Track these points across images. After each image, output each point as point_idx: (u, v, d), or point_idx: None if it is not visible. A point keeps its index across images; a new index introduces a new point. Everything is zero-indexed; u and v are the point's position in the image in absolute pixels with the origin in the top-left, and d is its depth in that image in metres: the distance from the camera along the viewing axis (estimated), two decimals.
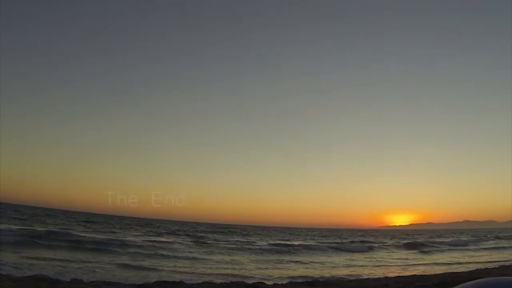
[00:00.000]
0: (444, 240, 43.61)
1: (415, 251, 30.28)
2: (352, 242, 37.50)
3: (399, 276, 12.10)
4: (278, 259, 20.82)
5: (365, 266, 19.36)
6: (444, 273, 13.02)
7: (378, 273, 15.74)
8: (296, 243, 32.80)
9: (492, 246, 34.85)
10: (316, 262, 19.91)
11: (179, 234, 36.85)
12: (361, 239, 44.20)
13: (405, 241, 39.70)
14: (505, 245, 34.44)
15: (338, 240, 39.76)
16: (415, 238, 48.47)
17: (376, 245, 34.12)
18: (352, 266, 19.08)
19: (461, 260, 22.67)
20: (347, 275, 14.48)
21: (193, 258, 19.19)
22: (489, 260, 21.75)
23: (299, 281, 11.27)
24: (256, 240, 36.09)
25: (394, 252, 29.60)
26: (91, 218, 53.17)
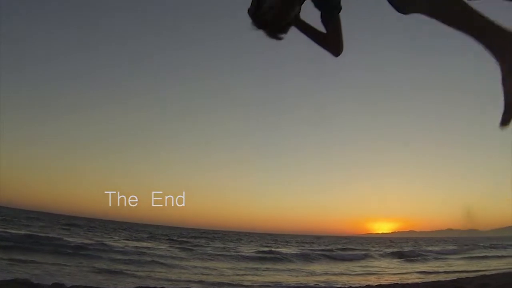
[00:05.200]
0: (433, 249, 43.81)
1: (402, 259, 30.27)
2: (344, 249, 37.35)
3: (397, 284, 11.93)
4: (267, 268, 20.46)
5: (361, 274, 19.15)
6: (426, 282, 12.92)
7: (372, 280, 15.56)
8: (284, 250, 32.46)
9: (477, 255, 35.06)
10: (318, 273, 19.52)
11: (162, 239, 36.36)
12: (348, 246, 44.10)
13: (393, 249, 39.75)
14: (489, 255, 34.68)
15: (328, 247, 39.57)
16: (401, 247, 48.62)
17: (364, 252, 34.01)
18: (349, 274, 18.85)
19: (457, 268, 22.63)
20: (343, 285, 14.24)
21: (173, 264, 18.85)
22: (479, 269, 21.80)
23: None
24: (240, 246, 35.75)
25: (387, 260, 29.49)
26: (73, 221, 52.30)
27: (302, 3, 1.84)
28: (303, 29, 1.94)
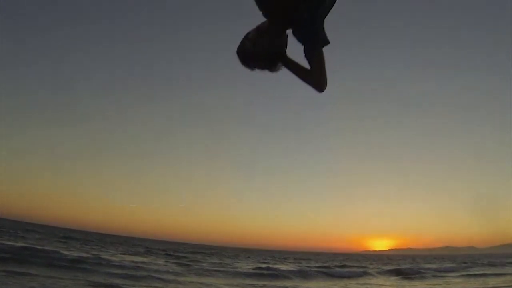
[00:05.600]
0: (431, 266, 43.49)
1: (401, 277, 30.04)
2: (341, 266, 37.03)
3: None
4: (264, 284, 20.29)
5: None
6: None
7: None
8: (282, 267, 32.19)
9: (475, 272, 34.82)
10: None
11: (158, 253, 36.11)
12: (346, 263, 43.74)
13: (391, 267, 39.40)
14: (487, 272, 34.44)
15: (326, 264, 39.22)
16: (399, 264, 48.21)
17: (362, 270, 33.77)
18: None
19: (455, 286, 22.46)
20: None
21: (170, 279, 18.73)
22: (478, 286, 21.68)
23: None
24: (237, 262, 35.49)
25: (385, 278, 29.27)
26: (70, 234, 51.96)
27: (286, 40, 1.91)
28: (287, 64, 1.96)
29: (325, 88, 1.95)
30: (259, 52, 1.88)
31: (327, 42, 1.88)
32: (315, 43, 1.88)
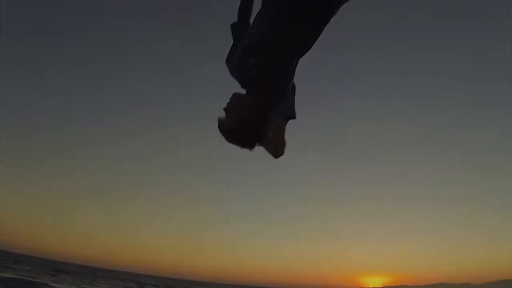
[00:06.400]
0: None
1: None
2: None
3: None
4: None
5: None
6: None
7: None
8: None
9: None
10: None
11: None
12: None
13: None
14: None
15: None
16: None
17: None
18: None
19: None
20: None
21: None
22: None
23: None
24: None
25: None
26: (61, 267, 50.94)
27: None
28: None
29: (281, 155, 1.92)
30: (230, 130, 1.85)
31: (294, 117, 1.97)
32: (287, 116, 1.95)
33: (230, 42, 2.06)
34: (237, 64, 1.89)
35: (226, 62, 2.02)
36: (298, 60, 1.92)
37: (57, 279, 31.80)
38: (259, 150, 1.87)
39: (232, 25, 2.06)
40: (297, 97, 2.08)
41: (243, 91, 1.91)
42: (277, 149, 1.91)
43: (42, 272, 37.49)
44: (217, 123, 1.87)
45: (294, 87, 2.05)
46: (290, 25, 1.80)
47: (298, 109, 2.07)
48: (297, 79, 2.00)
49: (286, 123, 1.97)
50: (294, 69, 1.94)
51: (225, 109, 1.88)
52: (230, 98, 1.89)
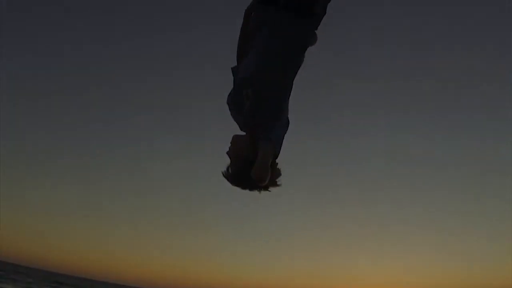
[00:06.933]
0: None
1: None
2: None
3: None
4: None
5: None
6: None
7: None
8: None
9: None
10: None
11: None
12: None
13: None
14: None
15: None
16: None
17: None
18: None
19: None
20: None
21: None
22: None
23: None
24: None
25: None
26: (62, 280, 50.52)
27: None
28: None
29: (263, 180, 1.93)
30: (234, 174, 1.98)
31: (276, 154, 2.03)
32: (278, 148, 2.04)
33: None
34: (233, 99, 2.06)
35: (227, 103, 2.14)
36: (289, 95, 2.07)
37: None
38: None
39: (233, 69, 2.19)
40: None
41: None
42: (256, 171, 1.89)
43: (42, 284, 37.15)
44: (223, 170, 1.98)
45: (287, 123, 2.16)
46: (267, 67, 1.97)
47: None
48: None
49: (273, 151, 2.02)
50: (286, 104, 2.09)
51: (227, 153, 2.01)
52: (230, 142, 2.03)
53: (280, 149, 2.04)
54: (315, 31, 2.05)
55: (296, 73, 2.03)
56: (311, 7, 1.98)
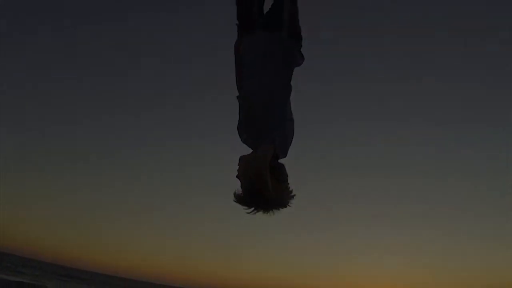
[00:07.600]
0: None
1: None
2: None
3: None
4: None
5: None
6: None
7: None
8: None
9: None
10: None
11: None
12: None
13: None
14: None
15: None
16: None
17: None
18: None
19: None
20: None
21: None
22: None
23: None
24: None
25: None
26: (72, 273, 49.43)
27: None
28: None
29: (254, 178, 1.89)
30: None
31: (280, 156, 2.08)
32: (282, 150, 2.04)
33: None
34: (241, 120, 2.23)
35: (237, 128, 2.24)
36: (284, 102, 2.16)
37: (66, 285, 30.37)
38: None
39: (238, 97, 2.29)
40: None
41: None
42: (247, 165, 1.92)
43: (51, 277, 36.00)
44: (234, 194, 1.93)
45: (292, 129, 2.18)
46: (248, 74, 2.25)
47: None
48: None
49: (273, 153, 1.95)
50: (282, 111, 2.12)
51: (237, 176, 1.95)
52: (238, 163, 1.97)
53: (286, 153, 2.04)
54: (290, 37, 2.25)
55: (285, 77, 2.21)
56: (279, 22, 2.23)
